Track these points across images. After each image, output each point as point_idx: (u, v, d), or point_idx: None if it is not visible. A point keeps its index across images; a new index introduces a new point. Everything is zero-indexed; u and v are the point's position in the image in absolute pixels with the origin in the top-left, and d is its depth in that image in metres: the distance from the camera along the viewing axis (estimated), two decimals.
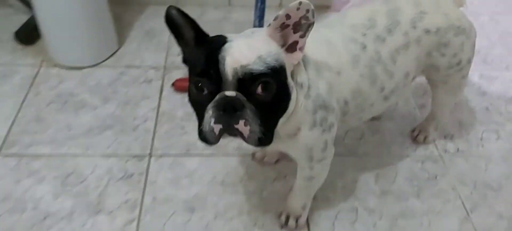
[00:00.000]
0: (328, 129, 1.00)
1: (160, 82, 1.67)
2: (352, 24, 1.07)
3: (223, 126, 0.82)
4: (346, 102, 1.04)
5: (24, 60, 1.75)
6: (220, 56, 0.80)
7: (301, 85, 0.92)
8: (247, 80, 0.80)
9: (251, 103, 0.81)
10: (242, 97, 0.81)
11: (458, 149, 1.46)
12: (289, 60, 0.87)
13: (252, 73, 0.80)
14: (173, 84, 1.62)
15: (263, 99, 0.82)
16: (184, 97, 1.56)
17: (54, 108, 1.54)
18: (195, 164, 1.37)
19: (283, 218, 1.22)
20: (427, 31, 1.09)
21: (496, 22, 2.12)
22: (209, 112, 0.82)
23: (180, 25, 0.86)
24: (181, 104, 1.57)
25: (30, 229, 1.18)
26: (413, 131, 1.50)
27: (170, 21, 0.86)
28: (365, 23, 1.06)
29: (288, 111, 0.90)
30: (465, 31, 1.13)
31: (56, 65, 1.72)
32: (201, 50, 0.84)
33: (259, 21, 1.65)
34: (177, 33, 0.88)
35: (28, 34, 1.81)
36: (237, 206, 1.26)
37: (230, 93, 0.80)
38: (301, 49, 0.87)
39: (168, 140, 1.44)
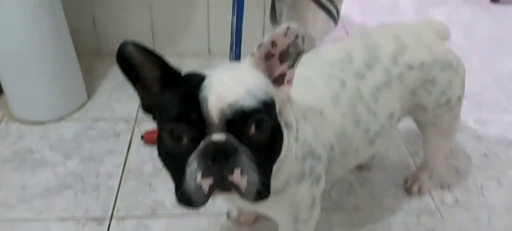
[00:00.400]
0: (317, 182, 0.87)
1: (129, 135, 1.53)
2: (328, 60, 0.96)
3: (214, 179, 0.65)
4: (332, 148, 0.91)
5: None
6: (200, 96, 0.65)
7: (290, 126, 0.79)
8: (237, 120, 0.65)
9: (245, 147, 0.66)
10: (234, 140, 0.65)
11: (456, 200, 1.32)
12: (277, 95, 0.74)
13: (243, 111, 0.65)
14: (142, 136, 1.49)
15: (258, 139, 0.67)
16: (154, 150, 1.43)
17: (9, 168, 1.39)
18: (162, 226, 1.21)
19: None
20: (410, 67, 0.97)
21: (487, 65, 2.03)
22: (193, 166, 0.65)
23: (139, 65, 0.70)
24: (150, 159, 1.42)
25: None
26: (406, 181, 1.36)
27: (124, 60, 0.69)
28: (343, 57, 0.96)
29: (281, 157, 0.75)
30: (453, 67, 1.02)
31: (17, 120, 1.59)
32: (173, 92, 0.69)
33: None
34: (134, 75, 0.71)
35: None
36: None
37: (219, 136, 0.65)
38: (290, 82, 0.75)
39: (133, 199, 1.29)
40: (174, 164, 0.69)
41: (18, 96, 1.57)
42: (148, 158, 1.43)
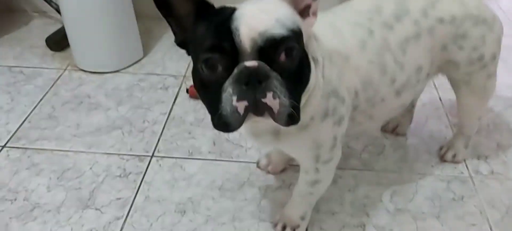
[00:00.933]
0: (339, 122, 0.90)
1: (176, 89, 1.63)
2: (357, 10, 0.98)
3: (248, 102, 0.69)
4: (356, 93, 0.93)
5: (51, 64, 1.79)
6: (233, 27, 0.68)
7: (317, 61, 0.82)
8: (268, 48, 0.68)
9: (277, 73, 0.69)
10: (266, 67, 0.68)
11: (492, 171, 1.28)
12: (304, 27, 0.77)
13: (274, 38, 0.68)
14: (187, 89, 1.58)
15: (288, 66, 0.71)
16: (197, 104, 1.52)
17: (68, 108, 1.54)
18: (195, 167, 1.29)
19: (279, 227, 1.11)
20: (441, 20, 0.97)
21: None
22: (229, 90, 0.69)
23: (173, 1, 0.75)
24: (192, 110, 1.51)
25: (16, 218, 1.15)
26: (441, 148, 1.34)
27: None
28: (371, 8, 0.97)
29: (309, 86, 0.78)
30: (486, 22, 1.00)
31: (80, 70, 1.74)
32: (206, 24, 0.73)
33: None
34: (169, 10, 0.76)
35: (58, 41, 1.86)
36: (231, 212, 1.16)
37: (251, 63, 0.68)
38: (315, 14, 0.78)
39: (173, 143, 1.38)
40: (210, 91, 0.73)
41: (82, 49, 1.73)
42: (191, 110, 1.51)
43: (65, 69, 1.75)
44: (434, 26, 0.97)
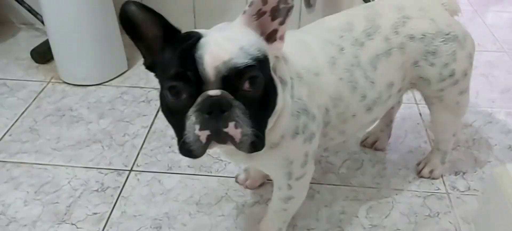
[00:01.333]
0: (310, 139, 0.91)
1: (159, 102, 1.63)
2: (328, 28, 1.00)
3: (210, 131, 0.70)
4: (327, 110, 0.95)
5: (34, 77, 1.79)
6: (196, 55, 0.69)
7: (285, 82, 0.83)
8: (232, 77, 0.69)
9: (240, 102, 0.71)
10: (228, 96, 0.70)
11: (469, 188, 1.29)
12: (270, 51, 0.78)
13: (237, 68, 0.69)
14: None
15: (252, 95, 0.72)
16: None
17: (49, 121, 1.54)
18: (174, 182, 1.30)
19: None
20: (411, 37, 0.98)
21: None
22: (192, 118, 0.70)
23: (141, 24, 0.75)
24: None
25: None
26: (418, 164, 1.35)
27: (127, 19, 0.73)
28: (342, 26, 0.98)
29: (277, 109, 0.79)
30: (457, 39, 1.01)
31: (64, 82, 1.75)
32: (172, 50, 0.73)
33: None
34: (137, 34, 0.76)
35: (43, 53, 1.86)
36: (207, 227, 1.16)
37: (214, 92, 0.69)
38: (282, 38, 0.78)
39: (153, 157, 1.39)
40: (175, 118, 0.74)
41: (66, 62, 1.73)
42: None
43: (48, 82, 1.76)
44: (405, 43, 0.98)
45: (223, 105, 0.70)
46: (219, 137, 0.71)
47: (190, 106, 0.71)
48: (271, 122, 0.81)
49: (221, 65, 0.69)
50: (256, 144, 0.73)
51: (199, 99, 0.70)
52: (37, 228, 1.16)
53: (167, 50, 0.74)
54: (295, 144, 0.89)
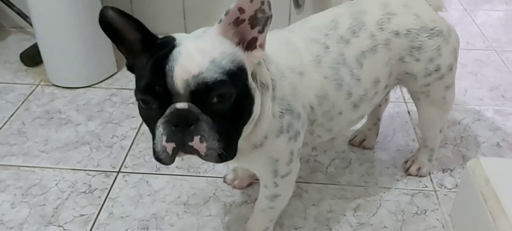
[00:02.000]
0: (294, 137, 0.91)
1: None
2: (313, 26, 1.00)
3: (176, 144, 0.72)
4: (312, 108, 0.95)
5: (23, 80, 1.79)
6: (167, 67, 0.70)
7: (266, 86, 0.83)
8: (200, 91, 0.70)
9: (207, 115, 0.71)
10: (195, 110, 0.71)
11: (456, 185, 1.30)
12: (249, 59, 0.77)
13: (206, 83, 0.69)
14: None
15: (221, 108, 0.72)
16: None
17: (38, 124, 1.54)
18: (162, 183, 1.30)
19: None
20: (396, 33, 0.99)
21: None
22: (160, 130, 0.72)
23: (120, 29, 0.76)
24: None
25: None
26: (406, 161, 1.35)
27: (106, 24, 0.75)
28: (328, 24, 0.99)
29: (254, 116, 0.80)
30: (442, 34, 1.02)
31: (53, 85, 1.74)
32: (146, 58, 0.74)
33: None
34: (117, 38, 0.77)
35: (32, 56, 1.86)
36: (195, 227, 1.16)
37: (182, 105, 0.70)
38: (262, 46, 0.78)
39: (141, 158, 1.39)
40: (148, 124, 0.77)
41: (55, 65, 1.73)
42: None
43: (37, 85, 1.75)
44: (390, 39, 0.99)
45: (189, 119, 0.71)
46: (185, 149, 0.72)
47: (160, 116, 0.72)
48: (247, 128, 0.81)
49: (190, 79, 0.69)
50: (223, 156, 0.74)
51: (167, 111, 0.71)
52: (24, 230, 1.15)
53: (142, 57, 0.75)
54: (279, 143, 0.89)
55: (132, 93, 1.65)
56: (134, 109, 1.61)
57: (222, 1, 1.99)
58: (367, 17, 0.99)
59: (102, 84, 1.76)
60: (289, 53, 0.93)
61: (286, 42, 0.96)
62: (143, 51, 0.76)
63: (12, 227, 1.16)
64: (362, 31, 0.98)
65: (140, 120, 1.51)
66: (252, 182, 1.28)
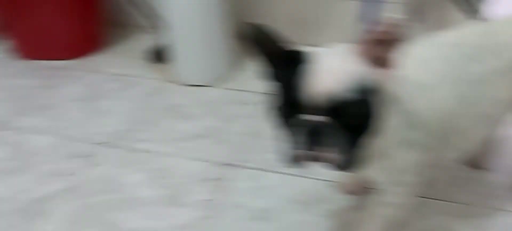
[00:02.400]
0: (419, 151, 0.95)
1: (258, 105, 1.73)
2: (443, 43, 1.02)
3: (308, 152, 0.78)
4: (439, 124, 0.97)
5: (151, 75, 1.99)
6: (309, 81, 0.76)
7: (394, 101, 0.87)
8: (338, 107, 0.75)
9: (340, 130, 0.77)
10: (331, 123, 0.76)
11: None
12: (383, 77, 0.82)
13: (344, 101, 0.75)
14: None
15: (353, 124, 0.78)
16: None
17: (162, 116, 1.73)
18: (276, 179, 1.39)
19: None
20: None
21: None
22: (290, 136, 0.79)
23: (261, 43, 0.82)
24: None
25: (118, 206, 1.34)
26: None
27: (248, 39, 0.82)
28: (459, 42, 1.01)
29: (381, 130, 0.85)
30: None
31: (176, 82, 1.92)
32: (290, 70, 0.79)
33: None
34: (260, 50, 0.84)
35: (157, 54, 2.06)
36: (304, 224, 1.25)
37: (316, 118, 0.77)
38: (393, 66, 0.81)
39: (257, 155, 1.49)
40: (281, 129, 0.84)
41: (181, 64, 1.90)
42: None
43: (163, 81, 1.94)
44: None
45: (322, 131, 0.77)
46: (314, 157, 0.79)
47: (296, 125, 0.79)
48: (375, 141, 0.85)
49: (328, 95, 0.75)
50: (347, 166, 0.80)
51: (301, 121, 0.78)
52: (155, 206, 1.32)
53: (285, 69, 0.81)
54: (404, 154, 0.93)
55: (250, 95, 1.78)
56: (251, 109, 1.72)
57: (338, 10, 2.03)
58: (499, 38, 1.01)
59: (223, 84, 1.90)
60: (420, 70, 0.96)
61: (419, 58, 0.98)
62: (285, 63, 0.82)
63: (142, 203, 1.33)
64: (493, 51, 0.99)
65: (257, 120, 1.63)
66: (365, 189, 1.32)
